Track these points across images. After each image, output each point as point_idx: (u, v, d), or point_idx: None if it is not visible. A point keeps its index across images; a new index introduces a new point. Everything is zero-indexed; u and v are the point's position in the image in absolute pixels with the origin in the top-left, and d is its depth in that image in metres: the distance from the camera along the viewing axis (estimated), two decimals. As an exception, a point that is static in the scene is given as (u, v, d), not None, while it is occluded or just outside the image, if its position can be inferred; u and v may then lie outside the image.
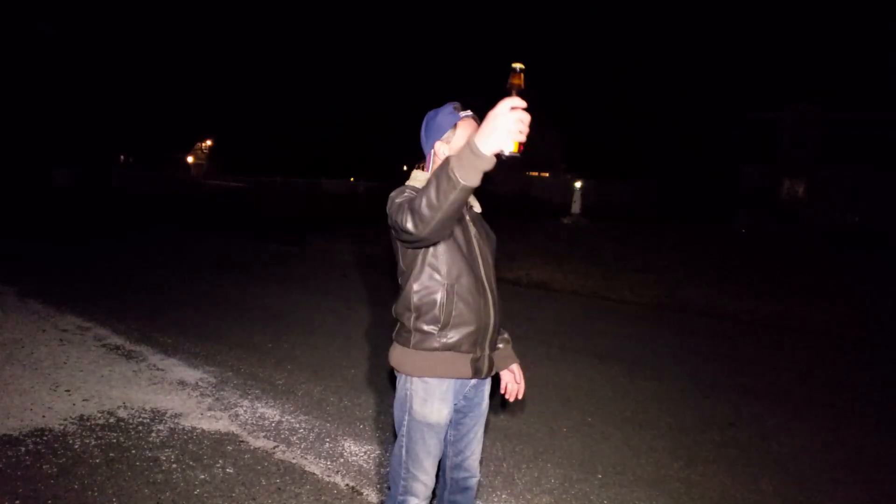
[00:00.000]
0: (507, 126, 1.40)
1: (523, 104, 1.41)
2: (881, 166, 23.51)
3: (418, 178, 1.98)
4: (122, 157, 44.97)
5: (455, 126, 1.92)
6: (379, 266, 9.89)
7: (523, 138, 1.43)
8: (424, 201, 1.53)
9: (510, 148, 1.42)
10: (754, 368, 5.43)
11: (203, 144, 52.84)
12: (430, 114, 1.98)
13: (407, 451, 1.93)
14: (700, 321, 7.32)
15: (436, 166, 1.94)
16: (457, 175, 1.46)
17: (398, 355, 1.94)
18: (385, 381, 4.45)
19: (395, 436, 2.01)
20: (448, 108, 1.94)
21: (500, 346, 2.12)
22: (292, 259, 10.57)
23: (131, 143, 44.52)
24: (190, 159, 50.71)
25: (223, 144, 53.13)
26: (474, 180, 1.47)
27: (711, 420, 4.11)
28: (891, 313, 7.72)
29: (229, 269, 9.12)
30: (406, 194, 1.80)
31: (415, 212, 1.56)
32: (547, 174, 39.12)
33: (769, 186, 26.90)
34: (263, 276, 8.58)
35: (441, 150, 1.94)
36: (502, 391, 2.13)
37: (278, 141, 56.26)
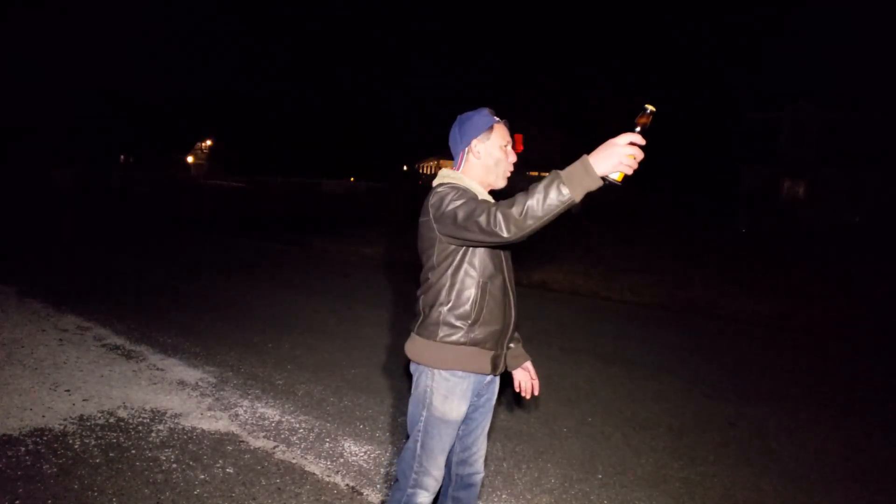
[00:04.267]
0: (622, 156, 1.51)
1: (643, 142, 1.51)
2: (881, 166, 23.50)
3: (450, 175, 1.98)
4: (122, 157, 45.00)
5: (491, 128, 1.96)
6: (379, 266, 9.89)
7: (630, 171, 1.52)
8: (527, 211, 1.57)
9: (616, 176, 1.52)
10: (755, 368, 5.43)
11: (203, 144, 52.87)
12: (465, 115, 2.01)
13: (422, 447, 1.94)
14: (700, 321, 7.31)
15: (468, 164, 1.97)
16: (566, 190, 1.54)
17: (421, 347, 1.93)
18: (385, 382, 4.45)
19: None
20: (483, 111, 1.99)
21: (512, 345, 2.15)
22: (292, 259, 10.57)
23: (132, 143, 44.56)
24: (190, 159, 50.75)
25: (223, 144, 53.18)
26: (579, 196, 1.55)
27: (711, 420, 4.11)
28: (891, 313, 7.71)
29: (229, 269, 9.13)
30: (468, 196, 1.77)
31: (511, 219, 1.59)
32: (547, 174, 39.08)
33: (769, 186, 26.90)
34: (263, 277, 8.59)
35: (477, 147, 1.96)
36: (517, 389, 2.14)
37: (278, 141, 56.31)
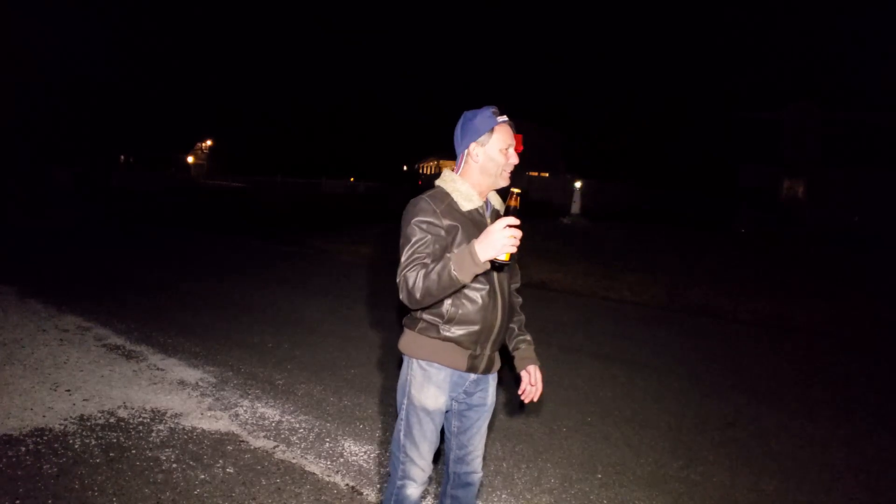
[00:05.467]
0: (503, 241, 1.65)
1: (517, 222, 1.67)
2: (881, 166, 23.50)
3: (444, 179, 2.00)
4: (122, 157, 44.96)
5: (492, 130, 1.95)
6: (379, 266, 9.89)
7: (514, 250, 1.68)
8: (425, 292, 1.75)
9: (502, 257, 1.69)
10: (754, 368, 5.43)
11: (203, 144, 52.83)
12: (468, 114, 1.99)
13: (405, 435, 2.00)
14: (700, 321, 7.32)
15: (468, 166, 1.98)
16: (457, 276, 1.71)
17: (404, 338, 2.02)
18: (385, 381, 4.46)
19: (393, 434, 2.03)
20: (487, 112, 1.96)
21: (522, 346, 2.15)
22: (292, 259, 10.57)
23: (131, 143, 44.50)
24: (190, 159, 50.70)
25: (223, 144, 53.16)
26: (468, 279, 1.73)
27: (711, 420, 4.11)
28: (889, 313, 7.72)
29: (229, 269, 9.13)
30: (420, 235, 1.83)
31: (411, 294, 1.78)
32: (547, 174, 39.14)
33: (769, 186, 26.90)
34: (263, 277, 8.58)
35: (475, 151, 1.96)
36: (519, 392, 2.13)
37: (278, 141, 56.34)
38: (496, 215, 2.05)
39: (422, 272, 1.76)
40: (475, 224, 1.93)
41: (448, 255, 1.76)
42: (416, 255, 1.82)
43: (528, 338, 2.18)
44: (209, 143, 52.96)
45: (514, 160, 1.99)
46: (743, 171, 28.48)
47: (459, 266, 1.70)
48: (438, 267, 1.74)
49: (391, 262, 1.90)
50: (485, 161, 1.96)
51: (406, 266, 1.81)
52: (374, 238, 12.97)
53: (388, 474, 2.96)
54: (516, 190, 1.76)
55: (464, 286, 1.83)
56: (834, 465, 3.53)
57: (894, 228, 19.69)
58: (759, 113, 28.03)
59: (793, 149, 26.62)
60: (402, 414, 2.01)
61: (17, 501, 2.66)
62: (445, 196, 1.94)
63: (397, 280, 1.82)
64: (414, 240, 1.84)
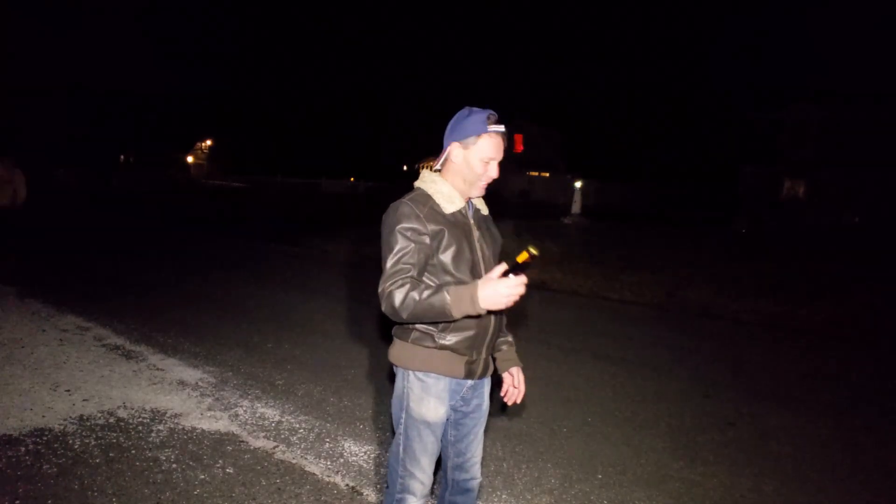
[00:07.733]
0: (507, 298, 1.64)
1: (524, 280, 1.67)
2: (881, 166, 23.49)
3: (424, 180, 1.95)
4: (122, 157, 45.00)
5: (479, 136, 1.86)
6: (378, 266, 9.88)
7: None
8: (411, 314, 1.72)
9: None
10: (754, 368, 5.43)
11: (203, 144, 52.88)
12: (464, 112, 1.91)
13: (405, 450, 1.93)
14: (700, 321, 7.31)
15: (448, 164, 1.93)
16: (451, 312, 1.69)
17: (397, 349, 1.95)
18: (385, 381, 4.45)
19: (393, 434, 2.01)
20: (482, 115, 1.87)
21: (504, 347, 2.11)
22: (292, 259, 10.57)
23: (131, 143, 44.52)
24: (190, 159, 50.76)
25: (223, 144, 53.20)
26: (459, 317, 1.71)
27: (711, 420, 4.11)
28: (890, 313, 7.71)
29: (229, 269, 9.13)
30: (402, 243, 1.81)
31: (397, 312, 1.73)
32: (547, 174, 39.11)
33: (769, 186, 26.90)
34: (263, 277, 8.58)
35: (455, 151, 1.90)
36: (502, 394, 2.11)
37: (278, 141, 56.37)
38: (478, 215, 2.01)
39: (412, 294, 1.71)
40: (459, 226, 1.89)
41: (445, 288, 1.70)
42: (401, 267, 1.77)
43: (510, 339, 2.14)
44: (209, 143, 52.99)
45: (493, 174, 1.91)
46: (743, 171, 28.48)
47: (457, 305, 1.68)
48: (434, 299, 1.69)
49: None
50: (462, 165, 1.89)
51: (390, 278, 1.76)
52: (375, 238, 12.95)
53: (387, 473, 2.95)
54: (534, 251, 1.72)
55: None
56: (834, 465, 3.53)
57: (894, 228, 19.67)
58: (760, 113, 28.03)
59: (793, 149, 26.60)
60: (401, 428, 1.93)
61: (17, 501, 2.66)
62: (427, 199, 1.88)
63: (380, 290, 1.77)
64: (397, 248, 1.80)
